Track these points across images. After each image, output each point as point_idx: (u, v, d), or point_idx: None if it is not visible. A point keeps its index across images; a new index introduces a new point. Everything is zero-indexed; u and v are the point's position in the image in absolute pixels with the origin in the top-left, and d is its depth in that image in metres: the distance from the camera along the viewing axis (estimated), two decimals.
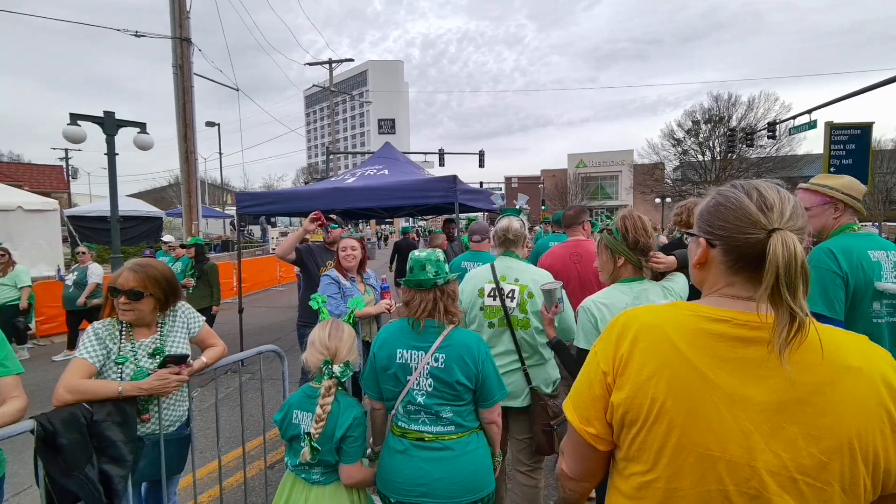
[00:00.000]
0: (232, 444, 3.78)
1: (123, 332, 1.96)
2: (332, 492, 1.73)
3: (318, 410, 1.67)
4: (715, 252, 0.88)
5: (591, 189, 51.66)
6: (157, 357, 1.97)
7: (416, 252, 1.86)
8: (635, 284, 1.85)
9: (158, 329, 2.06)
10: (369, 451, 1.95)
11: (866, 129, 13.53)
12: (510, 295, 2.34)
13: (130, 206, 18.53)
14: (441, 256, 1.86)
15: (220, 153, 28.03)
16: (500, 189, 43.44)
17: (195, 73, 11.85)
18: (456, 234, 6.15)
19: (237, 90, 14.05)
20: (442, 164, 27.20)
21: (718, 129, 33.03)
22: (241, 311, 6.08)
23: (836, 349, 0.78)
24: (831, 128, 13.53)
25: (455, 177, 5.12)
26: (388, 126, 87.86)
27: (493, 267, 2.45)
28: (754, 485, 0.76)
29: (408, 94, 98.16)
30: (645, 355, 0.86)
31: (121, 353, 1.91)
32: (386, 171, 6.15)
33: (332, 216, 4.31)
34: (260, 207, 5.79)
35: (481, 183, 38.35)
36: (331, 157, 26.57)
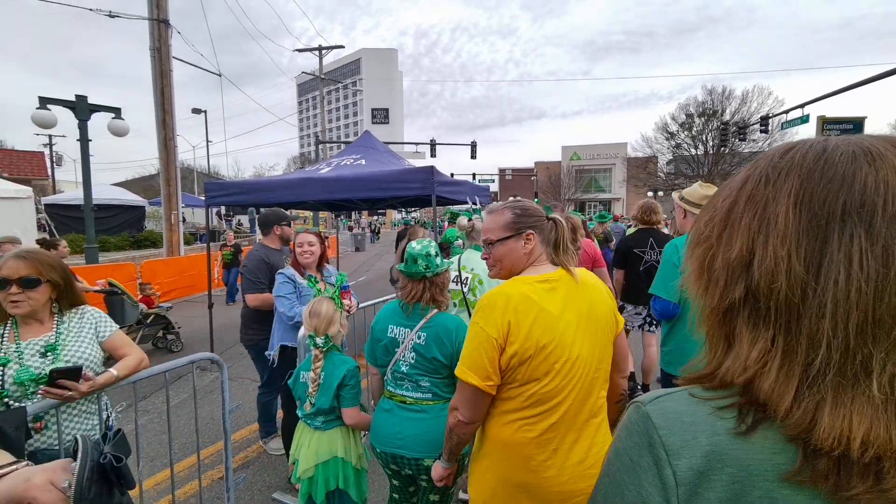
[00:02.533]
0: (187, 451, 3.57)
1: (6, 334, 1.73)
2: (331, 436, 2.14)
3: (311, 374, 2.13)
4: (531, 236, 1.50)
5: (585, 182, 51.50)
6: (50, 356, 1.74)
7: (413, 244, 2.07)
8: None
9: (55, 326, 1.82)
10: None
11: (859, 123, 13.46)
12: (465, 281, 2.90)
13: (111, 194, 18.03)
14: (433, 251, 2.06)
15: (208, 141, 27.44)
16: (493, 180, 43.10)
17: (176, 58, 11.42)
18: (435, 226, 5.90)
19: (220, 76, 13.61)
20: (434, 154, 26.84)
21: (712, 122, 32.88)
22: (210, 306, 5.82)
23: (581, 276, 1.49)
24: (824, 122, 13.45)
25: (432, 168, 4.87)
26: (381, 116, 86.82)
27: (459, 258, 2.99)
28: (582, 365, 1.37)
29: (401, 82, 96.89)
30: (521, 314, 1.33)
31: (3, 354, 1.69)
32: (363, 161, 5.88)
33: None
34: (229, 198, 5.50)
35: (474, 174, 37.94)
36: (321, 146, 26.12)
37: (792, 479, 0.47)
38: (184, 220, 14.75)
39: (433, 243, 2.11)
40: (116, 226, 17.07)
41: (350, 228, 31.91)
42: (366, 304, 4.00)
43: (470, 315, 2.67)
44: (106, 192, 17.67)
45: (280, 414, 3.49)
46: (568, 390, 1.34)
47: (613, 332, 1.49)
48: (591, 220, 9.10)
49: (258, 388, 3.66)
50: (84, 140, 9.51)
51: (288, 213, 3.95)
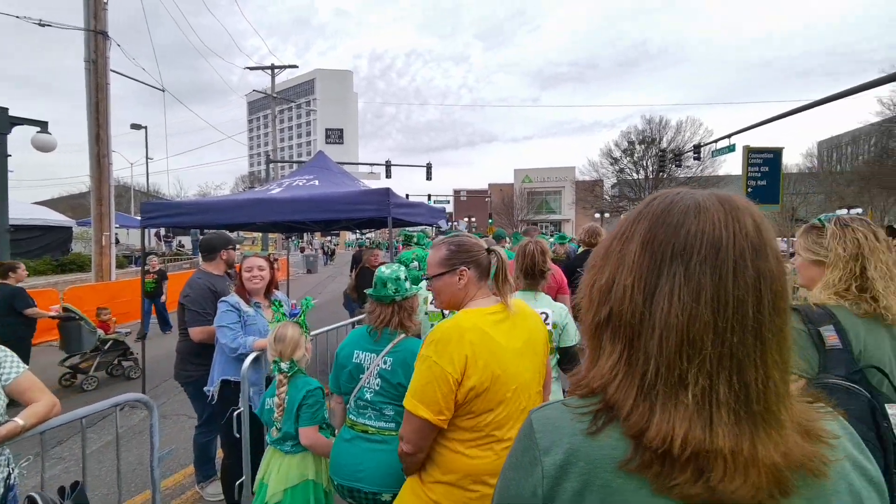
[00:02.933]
0: (109, 502, 3.17)
1: None
2: (302, 459, 2.14)
3: (276, 400, 2.14)
4: (470, 272, 1.56)
5: (537, 203, 53.24)
6: None
7: (383, 269, 2.06)
8: (530, 293, 2.53)
9: None
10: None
11: (778, 153, 14.85)
12: None
13: (33, 213, 16.43)
14: (402, 275, 2.07)
15: (147, 158, 25.88)
16: (448, 201, 43.59)
17: (115, 71, 10.78)
18: (391, 248, 5.79)
19: (163, 91, 12.95)
20: (389, 175, 26.80)
21: (651, 149, 35.24)
22: (142, 337, 5.33)
23: (522, 305, 1.60)
24: (749, 151, 14.73)
25: (388, 190, 4.80)
26: (335, 136, 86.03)
27: None
28: (527, 390, 1.46)
29: (356, 104, 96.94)
30: (477, 347, 1.37)
31: None
32: (316, 182, 5.71)
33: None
34: (168, 219, 5.13)
35: (429, 196, 38.19)
36: (272, 165, 25.35)
37: (623, 468, 0.56)
38: (117, 241, 13.63)
39: (402, 268, 2.13)
40: (38, 248, 15.51)
41: (302, 249, 30.93)
42: (317, 331, 3.81)
43: None
44: (26, 211, 16.06)
45: (220, 454, 3.19)
46: (517, 416, 1.42)
47: (547, 357, 1.64)
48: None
49: (195, 427, 3.34)
50: (2, 155, 8.64)
51: (234, 234, 3.73)
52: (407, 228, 9.57)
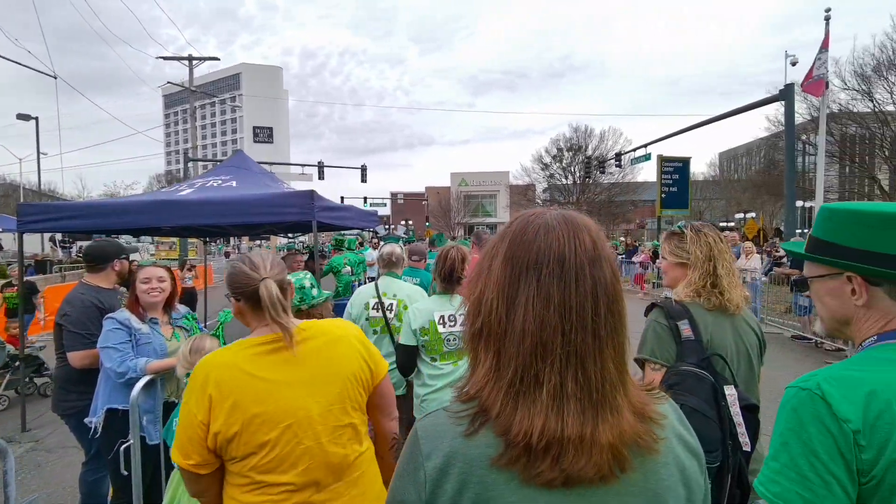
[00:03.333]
0: None
1: None
2: None
3: None
4: (241, 304, 1.37)
5: (473, 206, 54.21)
6: None
7: (288, 276, 2.04)
8: (445, 296, 2.51)
9: None
10: None
11: (686, 162, 16.35)
12: (390, 307, 3.09)
13: None
14: (308, 283, 2.06)
15: (39, 153, 22.82)
16: (385, 204, 43.06)
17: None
18: (316, 253, 5.48)
19: (55, 78, 11.44)
20: (322, 177, 25.87)
21: (578, 156, 37.25)
22: (20, 359, 4.59)
23: (327, 329, 1.41)
24: (662, 160, 16.07)
25: (313, 192, 4.54)
26: (264, 135, 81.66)
27: (376, 285, 3.18)
28: (311, 427, 1.28)
29: (287, 102, 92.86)
30: (224, 387, 1.23)
31: None
32: (234, 183, 5.27)
33: None
34: (53, 223, 4.46)
35: (365, 198, 37.43)
36: (192, 164, 23.43)
37: (495, 464, 0.62)
38: (0, 247, 11.78)
39: (308, 275, 2.13)
40: None
41: (227, 254, 28.93)
42: None
43: (392, 341, 3.02)
44: None
45: (111, 494, 2.78)
46: (298, 456, 1.26)
47: (367, 383, 1.41)
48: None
49: (82, 464, 2.90)
50: None
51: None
52: (342, 233, 9.23)
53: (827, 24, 11.40)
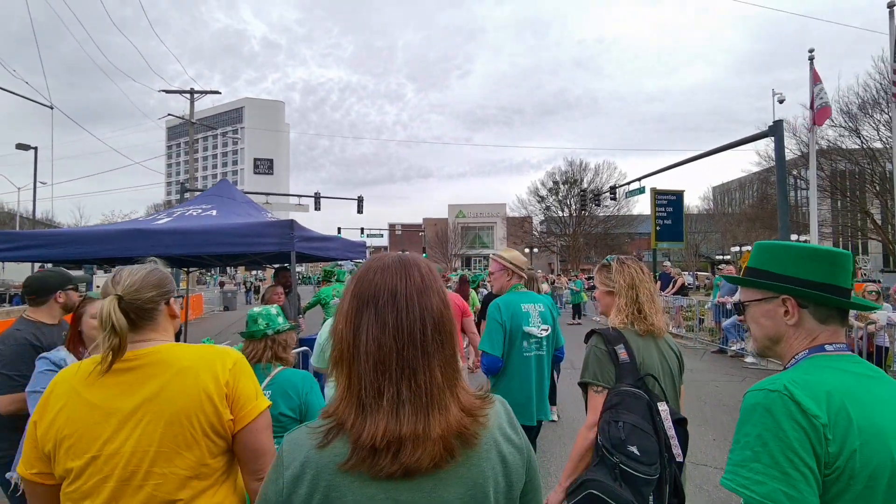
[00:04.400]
0: None
1: None
2: None
3: None
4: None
5: (470, 238, 54.37)
6: None
7: (253, 308, 2.21)
8: None
9: None
10: None
11: (680, 195, 16.40)
12: None
13: None
14: (274, 311, 2.18)
15: (36, 182, 22.88)
16: (382, 235, 43.10)
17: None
18: (294, 284, 5.28)
19: (51, 108, 11.54)
20: (318, 208, 25.91)
21: (574, 189, 37.70)
22: None
23: (176, 358, 1.21)
24: (655, 193, 16.14)
25: (292, 222, 4.40)
26: (264, 166, 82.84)
27: None
28: (122, 465, 1.12)
29: (288, 134, 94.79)
30: (52, 400, 1.18)
31: None
32: (214, 212, 5.14)
33: None
34: (19, 252, 4.27)
35: (362, 229, 37.50)
36: (187, 194, 23.49)
37: (343, 468, 0.74)
38: None
39: (275, 306, 2.28)
40: None
41: (222, 284, 28.56)
42: None
43: None
44: None
45: None
46: (105, 494, 1.12)
47: (216, 427, 1.18)
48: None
49: None
50: None
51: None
52: (339, 263, 9.02)
53: (812, 63, 11.70)
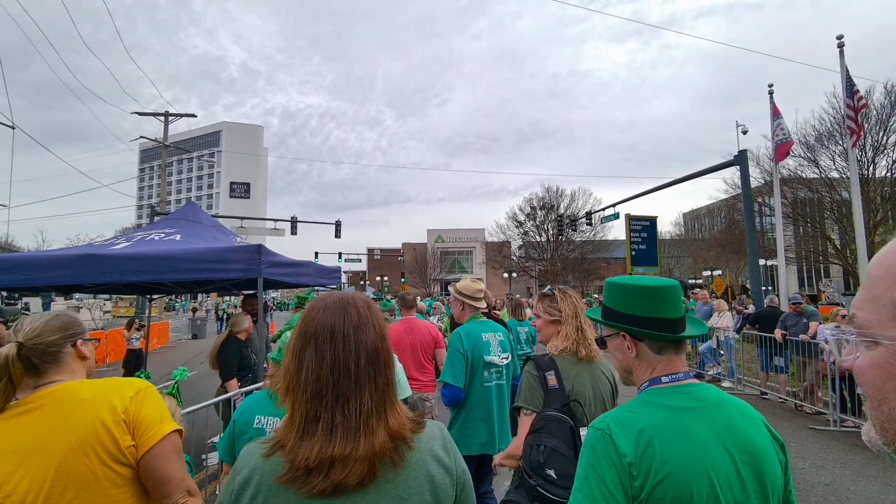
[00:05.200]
0: None
1: None
2: None
3: None
4: None
5: (449, 263, 54.33)
6: None
7: (288, 333, 2.17)
8: None
9: None
10: None
11: (653, 220, 16.81)
12: None
13: None
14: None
15: None
16: (360, 260, 42.59)
17: None
18: (263, 312, 5.02)
19: (12, 128, 11.09)
20: (294, 232, 25.50)
21: (551, 214, 38.32)
22: None
23: (73, 393, 1.23)
24: (630, 219, 16.49)
25: (260, 247, 4.21)
26: (241, 190, 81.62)
27: None
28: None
29: (266, 159, 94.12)
30: None
31: None
32: (178, 237, 4.89)
33: None
34: None
35: (340, 254, 36.98)
36: (157, 218, 22.78)
37: (279, 481, 0.85)
38: None
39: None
40: None
41: (194, 311, 27.41)
42: (189, 409, 3.13)
43: None
44: None
45: None
46: None
47: (116, 455, 1.20)
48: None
49: None
50: None
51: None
52: (317, 289, 8.73)
53: (771, 97, 12.35)
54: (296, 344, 0.93)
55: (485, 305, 3.03)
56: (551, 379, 1.79)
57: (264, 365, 4.59)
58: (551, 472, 1.57)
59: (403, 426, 0.91)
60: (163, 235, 4.88)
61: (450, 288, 3.20)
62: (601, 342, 1.30)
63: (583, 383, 1.84)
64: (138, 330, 9.72)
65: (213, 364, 4.55)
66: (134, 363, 9.62)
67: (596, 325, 1.85)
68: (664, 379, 1.09)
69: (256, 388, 3.81)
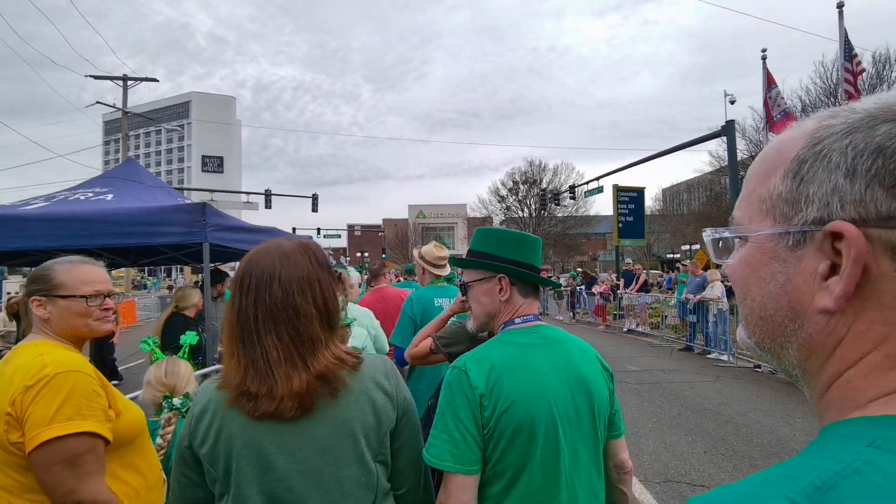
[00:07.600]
0: None
1: None
2: None
3: (160, 441, 1.83)
4: None
5: (431, 238, 53.70)
6: None
7: None
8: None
9: None
10: None
11: (641, 191, 16.46)
12: None
13: None
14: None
15: None
16: (340, 236, 41.62)
17: None
18: (211, 285, 4.33)
19: None
20: (269, 206, 24.40)
21: (533, 189, 37.87)
22: None
23: (6, 361, 1.23)
24: (618, 190, 16.11)
25: (204, 205, 3.54)
26: (213, 164, 78.43)
27: None
28: None
29: (240, 131, 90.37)
30: None
31: None
32: (109, 196, 4.15)
33: None
34: None
35: (319, 230, 35.90)
36: None
37: (228, 405, 0.97)
38: None
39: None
40: None
41: (170, 288, 26.09)
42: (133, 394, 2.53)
43: None
44: None
45: None
46: None
47: (6, 445, 1.14)
48: None
49: None
50: None
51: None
52: None
53: (764, 64, 11.89)
54: (233, 289, 1.04)
55: (447, 272, 3.02)
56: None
57: (217, 347, 3.99)
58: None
59: (333, 366, 0.99)
60: (90, 195, 4.14)
61: (414, 251, 3.18)
62: (464, 288, 1.35)
63: None
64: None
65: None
66: (97, 344, 8.91)
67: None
68: (517, 320, 1.23)
69: (206, 374, 3.23)
